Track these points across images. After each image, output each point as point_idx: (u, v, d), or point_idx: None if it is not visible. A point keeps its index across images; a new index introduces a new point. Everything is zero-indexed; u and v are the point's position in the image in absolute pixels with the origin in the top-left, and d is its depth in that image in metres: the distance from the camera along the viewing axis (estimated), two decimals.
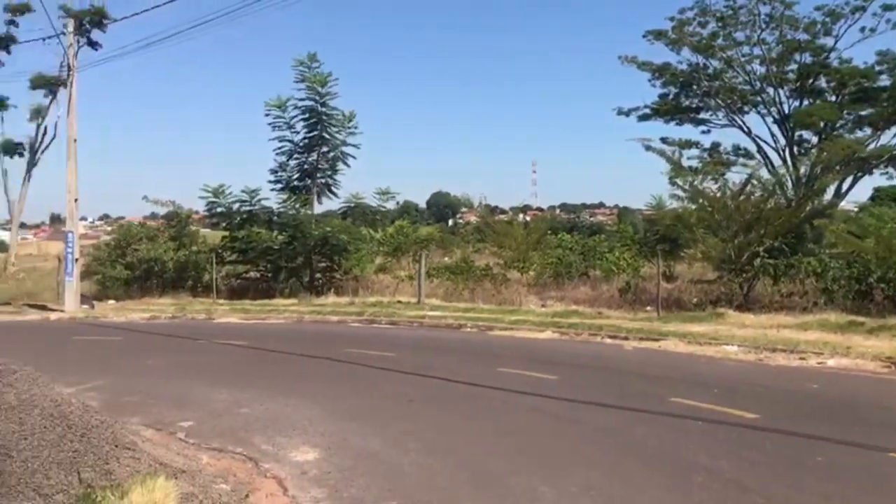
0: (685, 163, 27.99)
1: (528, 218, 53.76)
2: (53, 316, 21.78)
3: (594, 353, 13.51)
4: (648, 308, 19.08)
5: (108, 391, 10.03)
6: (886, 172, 36.04)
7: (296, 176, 26.90)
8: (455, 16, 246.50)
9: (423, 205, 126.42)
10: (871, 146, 34.14)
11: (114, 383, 10.69)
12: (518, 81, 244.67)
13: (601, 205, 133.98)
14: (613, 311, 18.93)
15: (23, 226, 62.02)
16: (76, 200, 23.16)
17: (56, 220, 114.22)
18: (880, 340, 13.03)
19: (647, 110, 38.90)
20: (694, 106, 38.71)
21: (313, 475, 6.40)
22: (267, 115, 25.89)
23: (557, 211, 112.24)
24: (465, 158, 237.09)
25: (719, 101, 37.34)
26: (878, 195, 46.50)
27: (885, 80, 33.26)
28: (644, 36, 37.16)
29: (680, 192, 22.02)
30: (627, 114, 39.44)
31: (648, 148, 24.96)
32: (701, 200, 21.12)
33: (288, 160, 26.67)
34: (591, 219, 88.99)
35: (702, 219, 20.98)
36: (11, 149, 42.79)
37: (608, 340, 14.97)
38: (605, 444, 7.28)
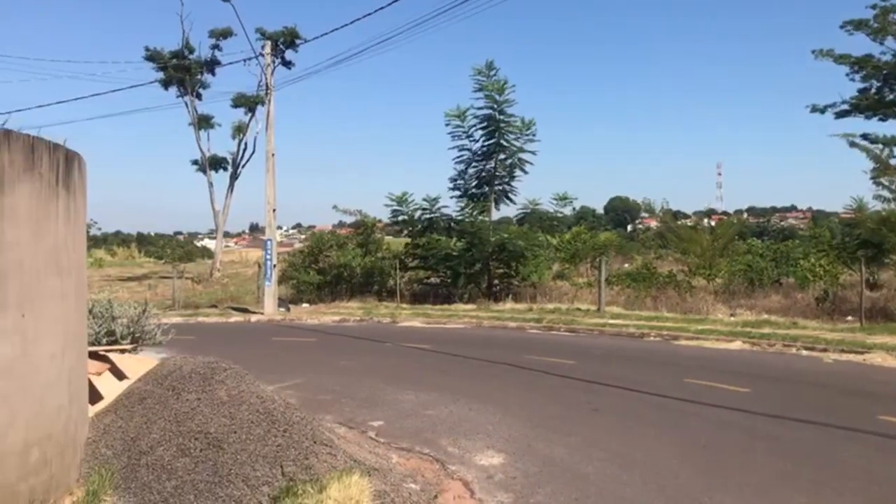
0: (891, 161, 25.73)
1: (712, 222, 51.52)
2: (254, 318, 23.38)
3: (789, 366, 12.70)
4: (849, 318, 17.74)
5: (305, 389, 10.65)
6: None
7: (474, 183, 27.35)
8: (638, 17, 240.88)
9: (600, 210, 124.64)
10: None
11: (309, 382, 11.32)
12: (701, 80, 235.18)
13: (793, 208, 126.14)
14: (809, 321, 17.74)
15: (226, 235, 67.21)
16: (274, 211, 24.76)
17: (255, 228, 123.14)
18: None
19: (846, 106, 36.12)
20: None
21: (499, 480, 6.47)
22: (447, 125, 26.59)
23: (745, 215, 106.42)
24: (644, 162, 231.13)
25: None
26: None
27: None
28: (842, 27, 34.59)
29: (886, 193, 20.33)
30: (823, 111, 36.78)
31: (853, 144, 23.16)
32: None
33: (466, 168, 27.21)
34: (782, 223, 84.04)
35: None
36: (216, 163, 46.62)
37: (804, 352, 14.03)
38: (806, 462, 6.81)
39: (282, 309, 24.67)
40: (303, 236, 66.52)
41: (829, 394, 10.24)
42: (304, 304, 26.75)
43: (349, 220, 35.10)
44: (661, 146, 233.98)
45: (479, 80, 25.62)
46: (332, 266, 28.71)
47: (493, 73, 25.47)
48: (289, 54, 41.95)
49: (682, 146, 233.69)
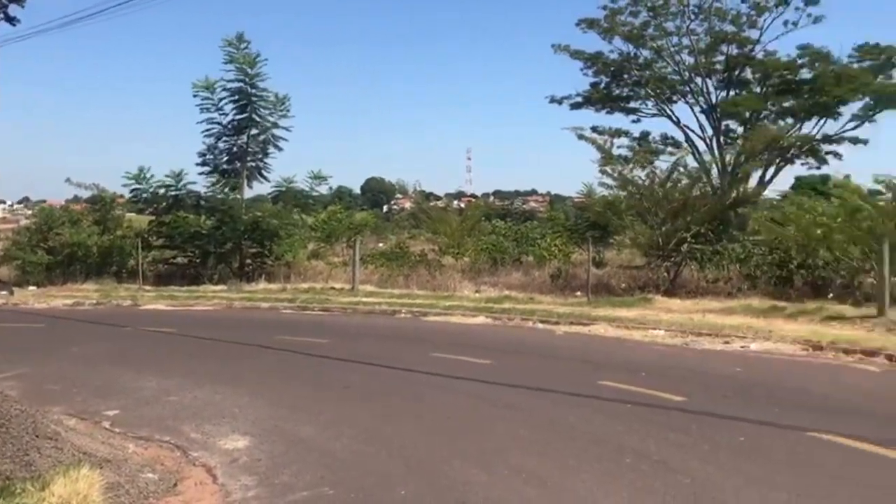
0: (615, 151, 28.45)
1: (462, 204, 54.04)
2: None
3: (526, 338, 13.67)
4: (579, 293, 19.38)
5: (30, 380, 9.70)
6: (807, 162, 37.40)
7: (225, 159, 26.27)
8: (393, 4, 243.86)
9: (357, 190, 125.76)
10: (793, 136, 35.43)
11: (35, 372, 10.34)
12: (452, 67, 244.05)
13: (534, 192, 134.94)
14: (545, 296, 19.18)
15: None
16: None
17: None
18: (799, 324, 13.53)
19: (579, 99, 39.39)
20: (625, 95, 39.36)
21: (243, 463, 6.31)
22: (195, 96, 25.25)
23: (491, 198, 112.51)
24: (400, 144, 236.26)
25: (649, 91, 38.05)
26: (799, 184, 48.26)
27: (806, 73, 34.50)
28: (577, 24, 37.60)
29: (609, 181, 22.43)
30: (560, 102, 39.88)
31: (581, 137, 25.32)
32: (630, 188, 21.54)
33: (216, 143, 26.05)
34: (524, 206, 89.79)
35: (631, 206, 21.40)
36: None
37: (540, 325, 15.15)
38: (538, 427, 7.36)
39: (4, 292, 22.26)
40: (30, 212, 60.34)
41: (560, 363, 11.16)
42: (31, 287, 24.30)
43: (85, 194, 32.21)
44: (415, 130, 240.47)
45: (230, 52, 24.64)
46: (65, 245, 26.28)
47: (243, 45, 24.61)
48: (13, 10, 37.57)
49: (435, 131, 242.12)
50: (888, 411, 7.91)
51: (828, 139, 35.77)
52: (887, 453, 6.16)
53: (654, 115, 39.15)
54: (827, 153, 36.46)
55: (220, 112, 25.46)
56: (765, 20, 34.59)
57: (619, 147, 35.40)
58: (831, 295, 16.72)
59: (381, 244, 35.82)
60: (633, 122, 39.52)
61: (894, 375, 10.00)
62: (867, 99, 33.46)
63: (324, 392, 9.14)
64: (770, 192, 36.16)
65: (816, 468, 5.92)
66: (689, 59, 36.62)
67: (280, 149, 26.33)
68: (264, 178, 26.80)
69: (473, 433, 7.17)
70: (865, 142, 35.31)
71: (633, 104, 39.34)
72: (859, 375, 10.00)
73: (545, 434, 7.09)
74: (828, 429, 6.85)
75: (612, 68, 38.26)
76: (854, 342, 11.62)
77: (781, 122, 36.33)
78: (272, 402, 8.50)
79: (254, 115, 25.24)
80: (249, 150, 25.92)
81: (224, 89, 25.13)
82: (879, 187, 17.60)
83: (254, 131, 25.63)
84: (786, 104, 35.36)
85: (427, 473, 6.00)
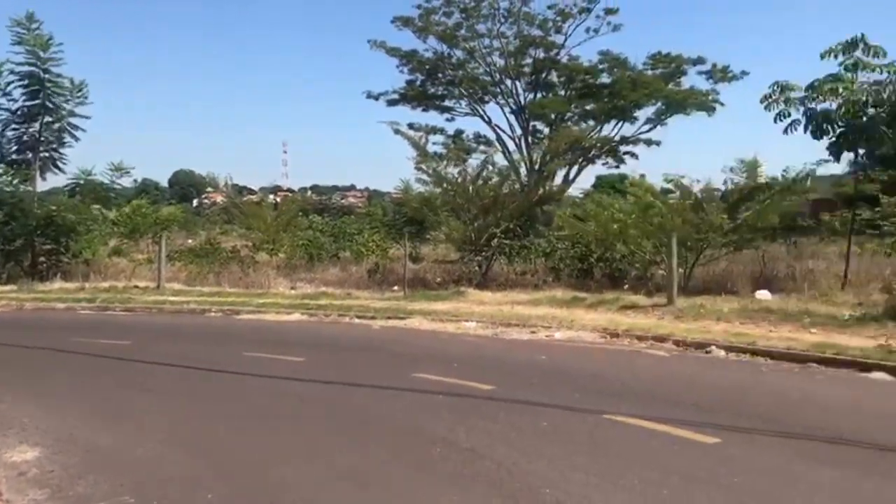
0: (430, 148, 29.04)
1: (278, 199, 52.88)
2: None
3: (343, 334, 13.66)
4: (396, 288, 19.63)
5: None
6: (606, 162, 40.14)
7: (14, 148, 24.40)
8: None
9: (164, 183, 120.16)
10: (594, 137, 37.87)
11: None
12: (268, 58, 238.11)
13: (352, 187, 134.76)
14: (363, 291, 19.30)
15: None
16: None
17: None
18: (598, 313, 14.48)
19: (396, 95, 39.95)
20: (439, 93, 40.34)
21: (33, 475, 5.83)
22: None
23: (309, 192, 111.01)
24: (210, 136, 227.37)
25: (462, 91, 39.20)
26: (600, 183, 51.65)
27: (605, 78, 36.96)
28: (392, 22, 38.04)
29: (425, 177, 22.90)
30: (377, 98, 40.25)
31: (397, 132, 25.66)
32: (444, 185, 22.09)
33: (4, 131, 24.09)
34: (343, 201, 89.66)
35: (445, 202, 21.99)
36: None
37: (357, 320, 15.19)
38: (352, 422, 7.35)
39: None
40: None
41: (375, 357, 11.24)
42: None
43: None
44: (228, 121, 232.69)
45: (19, 33, 22.80)
46: None
47: (35, 26, 22.85)
48: None
49: (249, 123, 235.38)
50: (675, 393, 8.60)
51: (625, 140, 38.65)
52: (672, 430, 6.71)
53: (467, 115, 40.52)
54: (624, 153, 39.44)
55: (9, 97, 23.61)
56: (569, 26, 36.78)
57: (434, 144, 36.31)
58: (627, 286, 18.05)
59: (190, 240, 34.50)
60: (448, 120, 40.66)
61: (681, 359, 10.92)
62: (659, 104, 36.41)
63: (125, 396, 8.63)
64: (573, 190, 38.65)
65: (611, 448, 6.34)
66: (500, 61, 38.16)
67: (77, 138, 24.82)
68: (60, 169, 25.17)
69: (286, 433, 7.05)
70: (658, 143, 38.54)
71: (447, 103, 40.43)
72: (651, 360, 10.85)
73: (359, 429, 7.10)
74: (623, 411, 7.36)
75: (427, 67, 39.07)
76: (647, 329, 12.60)
77: (584, 124, 38.81)
78: (67, 410, 7.92)
79: (47, 102, 23.60)
80: (42, 139, 24.20)
81: (12, 73, 23.30)
82: (669, 186, 19.21)
83: (48, 119, 23.97)
84: (587, 107, 37.79)
85: (237, 476, 5.83)
